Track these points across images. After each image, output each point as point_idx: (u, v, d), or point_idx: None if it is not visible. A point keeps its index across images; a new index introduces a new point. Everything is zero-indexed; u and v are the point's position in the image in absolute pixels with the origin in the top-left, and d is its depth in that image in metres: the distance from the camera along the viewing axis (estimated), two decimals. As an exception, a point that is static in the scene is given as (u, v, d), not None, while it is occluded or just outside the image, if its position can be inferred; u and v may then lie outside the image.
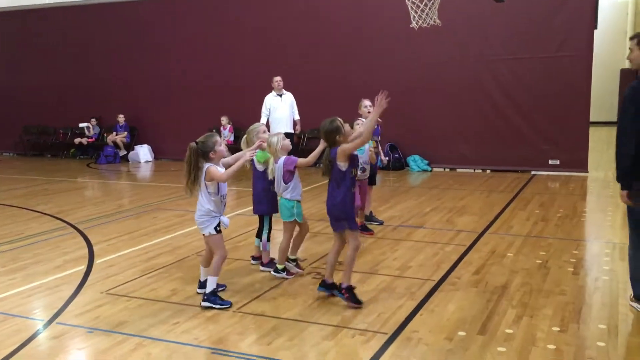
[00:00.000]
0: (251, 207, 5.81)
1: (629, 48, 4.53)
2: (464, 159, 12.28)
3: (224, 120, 13.97)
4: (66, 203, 9.42)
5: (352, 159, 4.67)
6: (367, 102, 6.83)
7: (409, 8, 7.80)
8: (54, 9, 16.08)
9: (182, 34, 14.54)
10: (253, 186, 5.63)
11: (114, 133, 15.23)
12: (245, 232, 7.13)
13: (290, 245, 5.50)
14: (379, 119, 5.35)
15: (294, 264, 5.58)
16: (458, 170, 12.32)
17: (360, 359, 3.84)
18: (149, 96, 15.12)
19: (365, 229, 6.86)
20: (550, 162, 11.57)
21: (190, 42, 14.46)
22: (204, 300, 4.69)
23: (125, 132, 15.22)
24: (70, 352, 4.06)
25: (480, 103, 11.98)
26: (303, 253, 6.17)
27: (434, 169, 12.39)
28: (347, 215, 4.71)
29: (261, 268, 5.65)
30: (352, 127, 5.87)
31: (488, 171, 12.04)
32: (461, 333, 4.15)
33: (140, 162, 14.79)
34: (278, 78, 10.81)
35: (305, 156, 5.29)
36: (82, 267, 5.88)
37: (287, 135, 10.53)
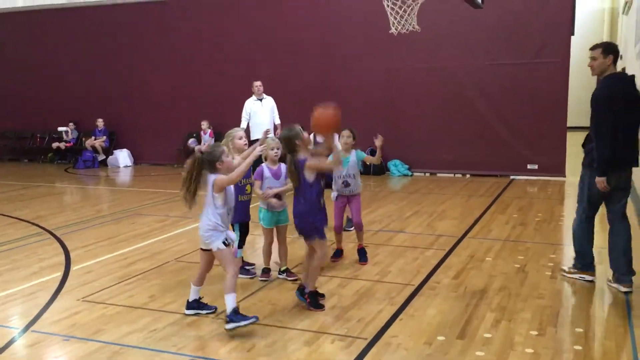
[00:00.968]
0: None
1: (592, 57, 5.01)
2: (444, 164, 12.36)
3: (204, 124, 13.90)
4: (43, 208, 9.29)
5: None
6: (347, 133, 6.49)
7: (388, 14, 7.83)
8: (29, 12, 15.89)
9: (161, 38, 14.45)
10: None
11: (93, 137, 15.07)
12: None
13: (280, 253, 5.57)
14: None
15: (284, 274, 5.56)
16: (438, 174, 12.39)
17: (340, 365, 3.83)
18: (128, 100, 14.99)
19: (361, 255, 6.07)
20: (529, 166, 11.70)
21: (170, 47, 14.37)
22: (227, 322, 4.25)
23: (104, 137, 15.07)
24: (46, 361, 4.00)
25: (460, 108, 12.07)
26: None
27: (415, 174, 12.45)
28: (314, 226, 4.68)
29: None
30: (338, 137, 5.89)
31: (468, 176, 12.13)
32: (440, 337, 4.17)
33: (119, 167, 14.65)
34: (258, 83, 10.79)
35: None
36: (59, 274, 5.80)
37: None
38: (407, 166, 12.47)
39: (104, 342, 4.18)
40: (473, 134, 12.00)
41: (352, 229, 7.14)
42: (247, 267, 5.68)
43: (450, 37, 11.90)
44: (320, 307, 4.71)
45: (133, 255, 6.44)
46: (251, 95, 10.81)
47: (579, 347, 4.01)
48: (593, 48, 5.03)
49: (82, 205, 9.79)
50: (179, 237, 7.26)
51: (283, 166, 5.29)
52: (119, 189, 12.21)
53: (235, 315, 4.26)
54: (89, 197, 11.28)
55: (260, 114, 10.72)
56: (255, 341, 4.15)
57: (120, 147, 15.12)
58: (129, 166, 14.81)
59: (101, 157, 14.96)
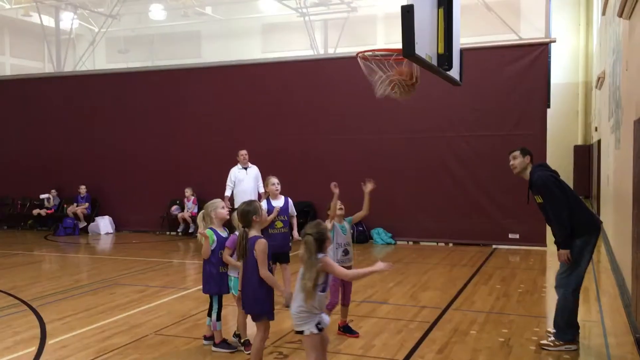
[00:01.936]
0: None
1: (513, 156, 5.70)
2: (426, 232, 12.42)
3: (187, 191, 13.91)
4: (20, 278, 9.09)
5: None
6: (274, 180, 7.04)
7: (375, 84, 8.05)
8: (14, 80, 16.10)
9: (144, 105, 14.62)
10: (203, 265, 5.58)
11: (75, 204, 14.96)
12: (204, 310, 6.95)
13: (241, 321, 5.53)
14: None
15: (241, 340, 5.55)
16: (421, 243, 12.42)
17: None
18: (111, 167, 14.99)
19: (348, 330, 5.98)
20: (510, 236, 11.78)
21: (153, 114, 14.54)
22: None
23: (87, 203, 14.96)
24: None
25: (442, 178, 12.26)
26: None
27: (398, 242, 12.47)
28: (263, 306, 4.62)
29: (213, 348, 5.54)
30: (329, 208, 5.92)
31: (450, 244, 12.17)
32: (425, 417, 4.07)
33: (100, 234, 14.48)
34: (244, 152, 10.92)
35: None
36: (33, 349, 5.62)
37: None
38: (390, 234, 12.50)
39: (77, 423, 4.02)
40: (455, 203, 12.13)
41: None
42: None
43: (430, 109, 12.20)
44: None
45: (111, 328, 6.28)
46: (236, 164, 10.92)
47: None
48: (514, 151, 5.72)
49: (61, 275, 9.60)
50: (158, 308, 7.12)
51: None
52: (99, 257, 12.02)
53: None
54: (67, 265, 11.07)
55: (245, 182, 10.80)
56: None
57: (102, 214, 15.00)
58: (111, 233, 14.64)
59: (82, 224, 14.80)
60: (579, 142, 20.64)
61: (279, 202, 7.00)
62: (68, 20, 18.33)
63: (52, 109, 15.50)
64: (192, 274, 9.67)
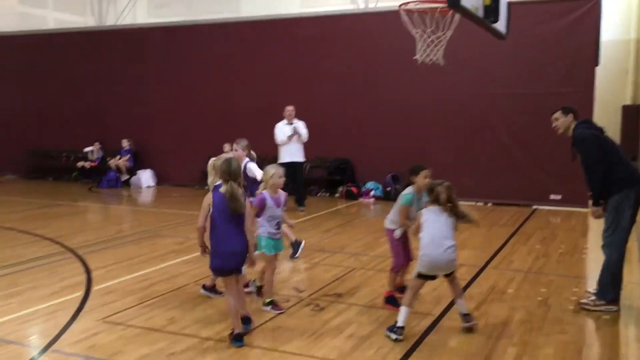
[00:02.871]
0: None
1: (555, 118, 5.64)
2: (466, 191, 12.17)
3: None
4: (66, 227, 9.40)
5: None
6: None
7: (417, 41, 7.86)
8: (58, 34, 16.29)
9: (187, 61, 14.67)
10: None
11: (117, 157, 15.27)
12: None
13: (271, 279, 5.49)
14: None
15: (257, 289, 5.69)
16: (460, 202, 12.25)
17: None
18: (153, 122, 15.18)
19: (393, 302, 5.43)
20: (552, 196, 11.55)
21: (196, 70, 14.58)
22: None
23: (128, 156, 15.25)
24: (64, 382, 4.01)
25: (484, 136, 12.03)
26: (302, 284, 6.14)
27: (436, 201, 12.34)
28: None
29: (201, 291, 5.79)
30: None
31: (490, 204, 12.01)
32: (460, 371, 4.09)
33: (142, 187, 14.80)
34: (290, 107, 10.90)
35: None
36: (80, 294, 5.83)
37: (297, 163, 10.59)
38: (428, 193, 12.38)
39: (122, 364, 4.19)
40: (496, 163, 11.92)
41: (296, 256, 7.17)
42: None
43: (473, 67, 11.89)
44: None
45: (153, 277, 6.47)
46: (282, 119, 10.94)
47: (603, 386, 3.91)
48: (556, 111, 5.65)
49: (104, 225, 9.89)
50: (196, 260, 7.27)
51: (282, 194, 5.47)
52: (140, 209, 12.32)
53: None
54: (110, 216, 11.39)
55: (290, 137, 10.86)
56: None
57: (144, 167, 15.29)
58: (152, 187, 14.94)
59: (124, 177, 15.13)
60: (628, 101, 19.87)
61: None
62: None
63: (94, 63, 15.69)
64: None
